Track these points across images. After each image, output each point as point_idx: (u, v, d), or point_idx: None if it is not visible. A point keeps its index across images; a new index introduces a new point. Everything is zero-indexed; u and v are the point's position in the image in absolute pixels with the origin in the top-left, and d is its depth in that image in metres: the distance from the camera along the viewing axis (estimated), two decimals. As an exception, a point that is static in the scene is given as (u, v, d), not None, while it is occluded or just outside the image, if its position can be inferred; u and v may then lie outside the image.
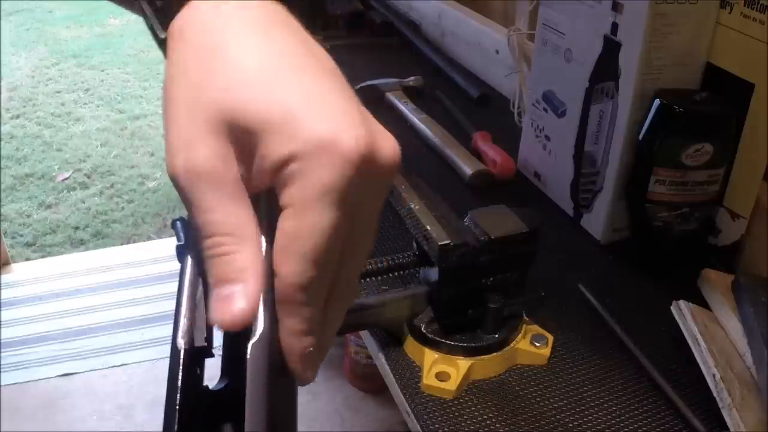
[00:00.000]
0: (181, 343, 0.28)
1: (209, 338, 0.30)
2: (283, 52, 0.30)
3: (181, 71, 0.30)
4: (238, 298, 0.28)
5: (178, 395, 0.27)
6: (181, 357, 0.28)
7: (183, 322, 0.29)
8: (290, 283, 0.28)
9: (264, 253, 0.29)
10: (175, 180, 0.29)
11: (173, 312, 0.31)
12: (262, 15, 0.31)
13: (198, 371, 0.29)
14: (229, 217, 0.28)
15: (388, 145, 0.31)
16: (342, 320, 0.33)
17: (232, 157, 0.29)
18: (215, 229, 0.28)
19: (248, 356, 0.28)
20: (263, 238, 0.30)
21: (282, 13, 0.32)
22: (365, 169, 0.29)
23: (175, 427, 0.27)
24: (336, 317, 0.32)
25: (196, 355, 0.29)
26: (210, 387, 0.30)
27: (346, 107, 0.29)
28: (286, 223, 0.28)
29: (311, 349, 0.30)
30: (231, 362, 0.30)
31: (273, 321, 0.29)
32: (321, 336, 0.31)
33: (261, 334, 0.28)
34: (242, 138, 0.29)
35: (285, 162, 0.28)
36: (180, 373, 0.28)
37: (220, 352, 0.31)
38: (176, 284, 0.33)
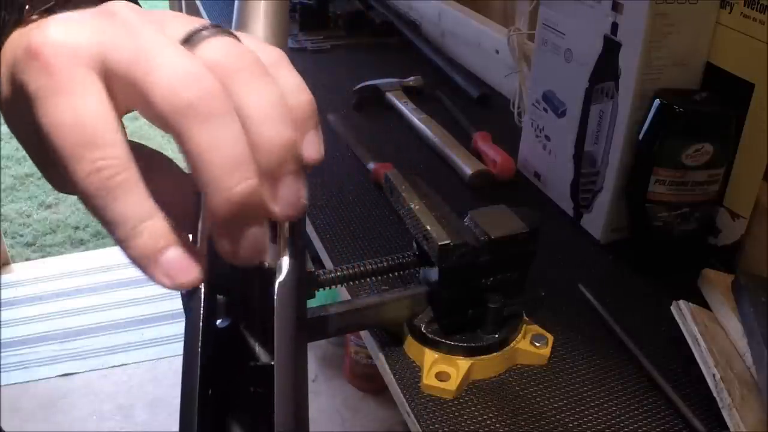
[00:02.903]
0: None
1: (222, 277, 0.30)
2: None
3: None
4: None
5: (200, 337, 0.27)
6: (201, 297, 0.28)
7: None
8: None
9: None
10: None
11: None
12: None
13: (213, 311, 0.30)
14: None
15: None
16: None
17: None
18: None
19: (275, 297, 0.28)
20: None
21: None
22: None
23: (198, 371, 0.27)
24: None
25: (211, 294, 0.29)
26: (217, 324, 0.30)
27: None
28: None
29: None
30: (235, 300, 0.30)
31: (297, 258, 0.29)
32: None
33: (287, 273, 0.29)
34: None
35: None
36: (201, 314, 0.28)
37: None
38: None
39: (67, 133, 0.25)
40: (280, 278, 0.28)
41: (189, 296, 0.28)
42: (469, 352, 0.58)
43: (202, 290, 0.28)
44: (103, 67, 0.27)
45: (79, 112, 0.25)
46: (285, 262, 0.29)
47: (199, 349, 0.27)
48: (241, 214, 0.26)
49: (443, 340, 0.59)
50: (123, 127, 0.27)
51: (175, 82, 0.25)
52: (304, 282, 0.31)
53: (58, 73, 0.26)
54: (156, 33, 0.27)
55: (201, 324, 0.27)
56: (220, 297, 0.30)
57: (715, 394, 0.55)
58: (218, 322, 0.30)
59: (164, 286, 0.27)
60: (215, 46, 0.28)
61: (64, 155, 0.25)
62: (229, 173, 0.25)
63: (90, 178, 0.25)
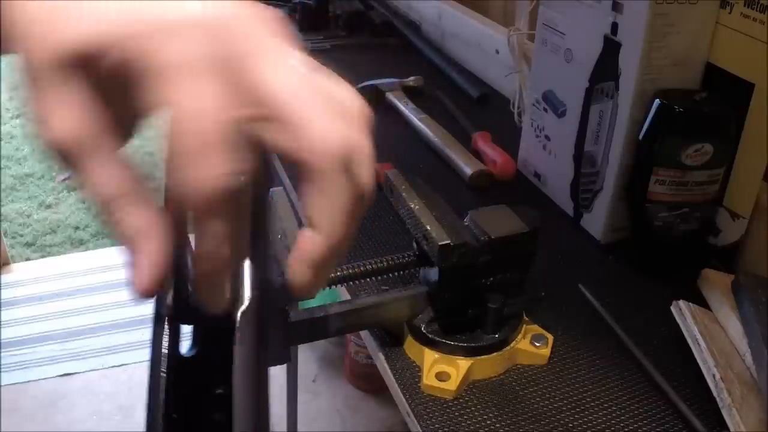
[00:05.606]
0: (166, 311, 0.28)
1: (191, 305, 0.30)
2: None
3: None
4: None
5: (163, 367, 0.27)
6: (165, 324, 0.28)
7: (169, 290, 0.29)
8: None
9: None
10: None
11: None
12: None
13: (177, 339, 0.29)
14: (110, 178, 0.28)
15: None
16: None
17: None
18: (103, 192, 0.28)
19: (237, 326, 0.28)
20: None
21: None
22: None
23: (162, 400, 0.27)
24: None
25: (176, 322, 0.29)
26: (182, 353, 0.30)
27: None
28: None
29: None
30: (202, 329, 0.30)
31: (261, 287, 0.29)
32: None
33: (250, 302, 0.28)
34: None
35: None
36: (165, 341, 0.28)
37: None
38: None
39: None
40: (243, 307, 0.28)
41: (154, 325, 0.28)
42: (469, 352, 0.58)
43: (166, 319, 0.28)
44: None
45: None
46: (247, 291, 0.29)
47: (162, 378, 0.27)
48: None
49: (443, 340, 0.58)
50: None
51: None
52: (267, 309, 0.30)
53: None
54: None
55: (166, 352, 0.28)
56: (186, 326, 0.30)
57: (715, 394, 0.55)
58: (184, 351, 0.30)
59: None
60: None
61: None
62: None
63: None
